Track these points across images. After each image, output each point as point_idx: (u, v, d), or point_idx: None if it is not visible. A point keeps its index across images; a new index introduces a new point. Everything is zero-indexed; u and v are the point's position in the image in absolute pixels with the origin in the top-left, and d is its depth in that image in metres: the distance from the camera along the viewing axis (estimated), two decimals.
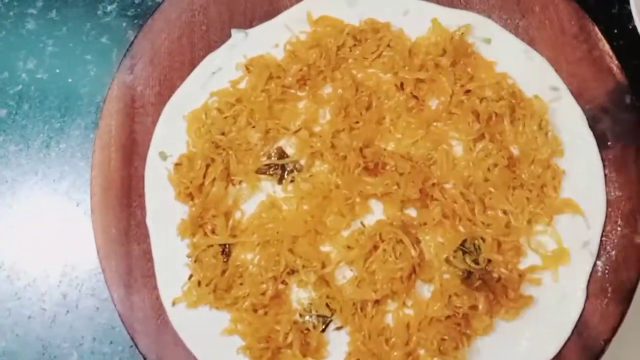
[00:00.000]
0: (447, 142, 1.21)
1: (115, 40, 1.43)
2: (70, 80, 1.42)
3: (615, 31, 1.35)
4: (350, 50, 1.23)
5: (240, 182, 1.22)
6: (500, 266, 1.14)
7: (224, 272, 1.18)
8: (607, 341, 1.14)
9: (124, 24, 1.44)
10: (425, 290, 1.17)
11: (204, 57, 1.26)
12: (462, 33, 1.22)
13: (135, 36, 1.27)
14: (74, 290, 1.35)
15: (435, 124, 1.21)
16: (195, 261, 1.19)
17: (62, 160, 1.39)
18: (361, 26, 1.24)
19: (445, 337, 1.13)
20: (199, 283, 1.18)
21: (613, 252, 1.16)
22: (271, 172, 1.22)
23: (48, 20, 1.45)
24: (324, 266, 1.17)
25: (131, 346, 1.31)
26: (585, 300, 1.15)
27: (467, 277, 1.14)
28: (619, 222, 1.17)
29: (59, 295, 1.36)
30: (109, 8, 1.44)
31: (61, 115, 1.41)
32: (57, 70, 1.43)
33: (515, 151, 1.20)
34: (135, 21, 1.43)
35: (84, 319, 1.34)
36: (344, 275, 1.18)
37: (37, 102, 1.42)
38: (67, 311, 1.35)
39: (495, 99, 1.19)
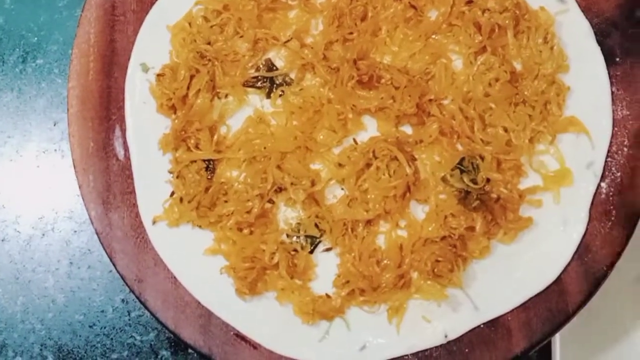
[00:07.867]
0: (447, 56, 1.16)
1: None
2: None
3: None
4: None
5: (226, 95, 1.17)
6: (499, 186, 1.10)
7: (207, 189, 1.13)
8: (610, 267, 1.10)
9: None
10: (419, 211, 1.13)
11: None
12: None
13: None
14: (50, 212, 1.31)
15: (434, 36, 1.16)
16: (177, 177, 1.14)
17: (39, 77, 1.35)
18: None
19: (440, 259, 1.09)
20: (181, 200, 1.13)
21: (618, 174, 1.12)
22: (259, 85, 1.17)
23: None
24: (313, 184, 1.13)
25: (110, 271, 1.28)
26: (588, 224, 1.11)
27: (465, 197, 1.10)
28: (626, 142, 1.12)
29: (34, 217, 1.31)
30: None
31: (38, 29, 1.34)
32: None
33: (518, 66, 1.14)
34: None
35: (60, 243, 1.30)
36: (335, 194, 1.14)
37: (13, 13, 1.35)
38: (43, 234, 1.31)
39: (498, 10, 1.13)
